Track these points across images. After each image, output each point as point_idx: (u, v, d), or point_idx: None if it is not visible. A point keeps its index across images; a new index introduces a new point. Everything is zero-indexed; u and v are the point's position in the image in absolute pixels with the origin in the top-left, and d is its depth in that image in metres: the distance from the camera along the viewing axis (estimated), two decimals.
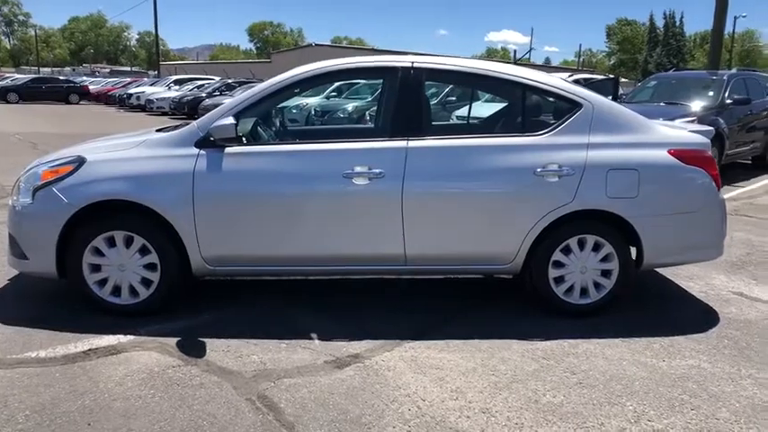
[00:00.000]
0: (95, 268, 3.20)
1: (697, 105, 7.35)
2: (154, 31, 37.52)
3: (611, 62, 62.29)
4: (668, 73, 10.67)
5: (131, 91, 25.94)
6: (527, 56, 46.50)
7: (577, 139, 3.25)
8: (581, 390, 2.62)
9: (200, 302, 3.48)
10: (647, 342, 3.09)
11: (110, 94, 29.28)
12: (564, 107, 3.33)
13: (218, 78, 25.80)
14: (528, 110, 3.45)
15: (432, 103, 3.69)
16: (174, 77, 27.65)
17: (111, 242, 3.18)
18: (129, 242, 3.18)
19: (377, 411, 2.42)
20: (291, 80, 3.28)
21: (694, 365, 2.86)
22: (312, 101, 11.08)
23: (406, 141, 3.20)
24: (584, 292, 3.36)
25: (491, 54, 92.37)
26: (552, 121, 3.34)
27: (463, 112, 3.99)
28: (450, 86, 6.88)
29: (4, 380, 2.58)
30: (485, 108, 4.37)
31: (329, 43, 54.78)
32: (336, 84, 9.62)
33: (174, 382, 2.60)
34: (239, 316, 3.34)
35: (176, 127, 3.52)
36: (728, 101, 7.51)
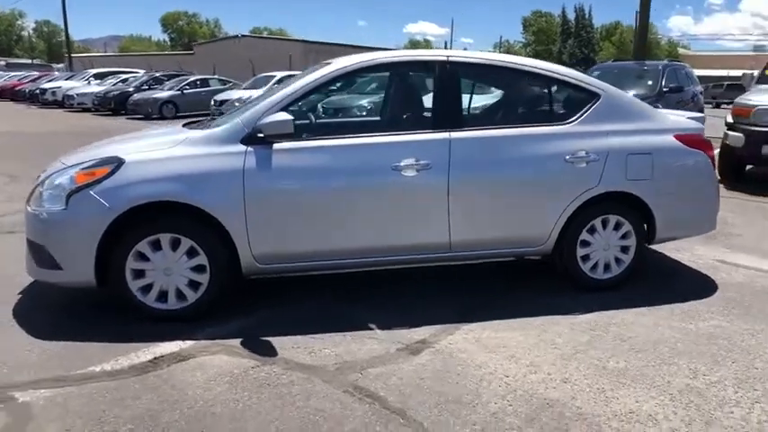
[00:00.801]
0: (139, 274, 3.06)
1: (638, 92, 8.05)
2: (52, 21, 34.53)
3: (528, 53, 65.11)
4: (610, 63, 11.50)
5: (45, 86, 23.70)
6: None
7: (599, 127, 3.53)
8: (636, 354, 2.91)
9: (246, 303, 3.42)
10: (669, 309, 3.45)
11: (17, 89, 26.41)
12: (585, 97, 3.60)
13: (142, 72, 24.26)
14: (555, 100, 3.69)
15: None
16: (94, 71, 25.61)
17: (156, 246, 3.05)
18: (175, 245, 3.07)
19: (472, 391, 2.55)
20: (335, 74, 3.29)
21: (717, 325, 3.24)
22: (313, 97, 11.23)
23: (448, 133, 3.32)
24: (606, 267, 3.67)
25: (415, 46, 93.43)
26: (576, 111, 3.59)
27: (488, 103, 4.15)
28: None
29: (81, 396, 2.44)
30: (486, 99, 4.58)
31: (254, 35, 52.31)
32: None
33: (263, 383, 2.58)
34: (291, 313, 3.33)
35: (203, 123, 3.42)
36: (665, 89, 8.27)
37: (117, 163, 3.03)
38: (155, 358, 2.78)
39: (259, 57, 30.35)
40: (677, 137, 3.65)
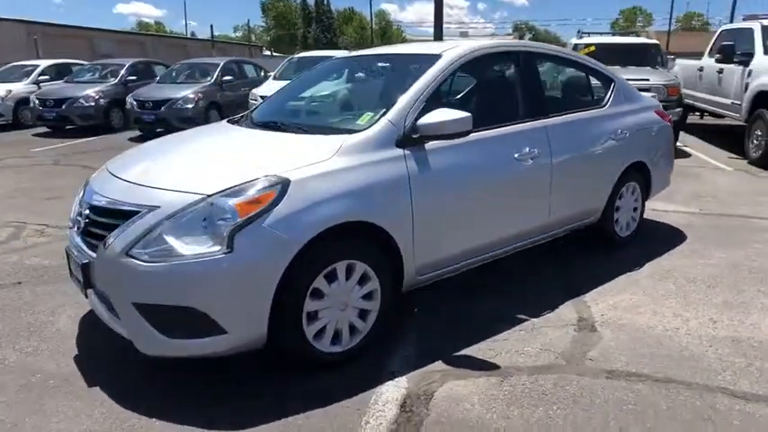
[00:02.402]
0: (312, 316, 2.49)
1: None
2: None
3: (271, 37, 63.54)
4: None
5: None
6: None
7: (621, 108, 4.11)
8: (723, 287, 3.58)
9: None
10: (682, 249, 4.27)
11: None
12: (607, 83, 4.13)
13: None
14: (594, 86, 4.11)
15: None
16: None
17: (331, 278, 2.52)
18: (348, 273, 2.58)
19: (675, 346, 2.85)
20: (457, 64, 3.13)
21: (721, 257, 4.15)
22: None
23: (543, 120, 3.47)
24: (627, 226, 4.32)
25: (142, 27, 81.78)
26: (605, 95, 4.08)
27: (552, 91, 4.35)
28: None
29: None
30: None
31: None
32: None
33: (537, 394, 2.44)
34: (440, 324, 3.10)
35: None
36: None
37: (282, 183, 2.38)
38: (403, 406, 2.35)
39: None
40: (656, 112, 4.47)
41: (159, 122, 10.75)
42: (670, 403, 2.37)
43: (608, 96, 4.08)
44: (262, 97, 10.04)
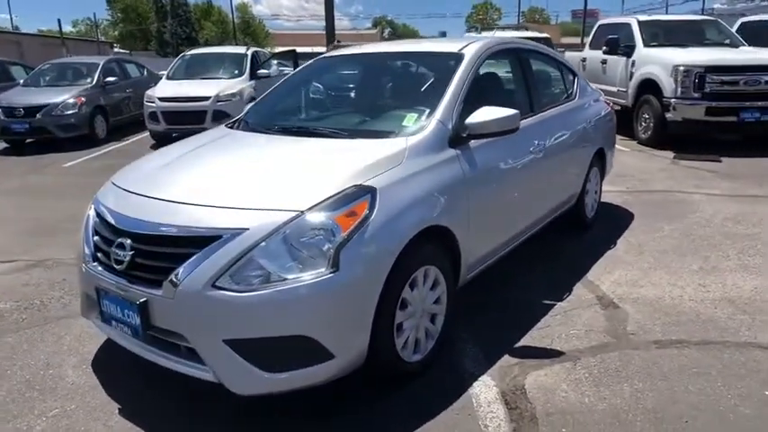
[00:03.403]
0: (399, 327, 2.41)
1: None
2: None
3: (120, 31, 57.15)
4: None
5: None
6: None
7: (585, 100, 4.45)
8: (691, 256, 4.04)
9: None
10: (637, 225, 4.74)
11: None
12: (573, 77, 4.43)
13: None
14: (565, 80, 4.35)
15: None
16: None
17: (412, 286, 2.45)
18: (424, 279, 2.53)
19: (689, 312, 3.19)
20: (483, 58, 3.19)
21: (671, 228, 4.66)
22: None
23: (542, 114, 3.65)
24: (592, 207, 4.70)
25: None
26: (572, 88, 4.38)
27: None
28: None
29: None
30: None
31: None
32: None
33: (656, 366, 2.60)
34: (483, 318, 3.15)
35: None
36: None
37: (372, 192, 2.25)
38: (507, 404, 2.37)
39: None
40: (605, 101, 4.90)
41: (34, 132, 9.49)
42: (722, 362, 2.66)
43: (575, 89, 4.40)
44: (159, 98, 9.30)
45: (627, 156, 7.84)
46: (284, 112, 3.46)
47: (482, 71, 3.23)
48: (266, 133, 3.07)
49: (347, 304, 2.13)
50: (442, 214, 2.55)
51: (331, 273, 2.07)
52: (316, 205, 2.15)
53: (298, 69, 3.81)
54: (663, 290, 3.51)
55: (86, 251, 2.50)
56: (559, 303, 3.33)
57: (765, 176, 6.37)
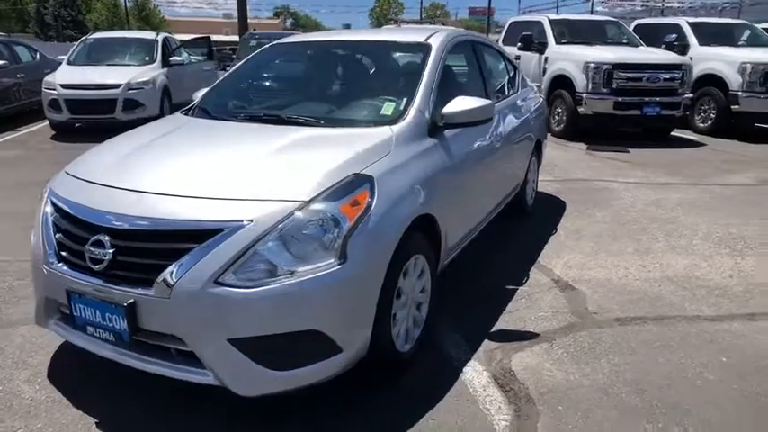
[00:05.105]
0: (394, 317, 2.39)
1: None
2: None
3: None
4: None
5: None
6: None
7: (526, 92, 4.64)
8: (625, 239, 4.36)
9: None
10: (571, 212, 5.04)
11: None
12: (515, 70, 4.60)
13: None
14: (509, 74, 4.48)
15: None
16: None
17: (405, 275, 2.44)
18: (414, 268, 2.52)
19: (638, 290, 3.45)
20: (447, 50, 3.24)
21: (601, 215, 5.02)
22: None
23: (496, 101, 3.76)
24: (531, 196, 4.93)
25: None
26: (515, 80, 4.54)
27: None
28: None
29: None
30: None
31: None
32: None
33: (624, 341, 2.75)
34: (455, 305, 3.19)
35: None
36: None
37: (370, 181, 2.20)
38: (501, 387, 2.43)
39: None
40: (539, 94, 5.14)
41: None
42: (680, 335, 2.91)
43: (517, 81, 4.57)
44: (62, 85, 8.50)
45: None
46: (248, 100, 3.29)
47: (447, 62, 3.27)
48: (235, 121, 2.90)
49: (355, 295, 2.08)
50: (429, 203, 2.55)
51: (339, 264, 2.01)
52: (319, 195, 2.07)
53: (252, 55, 3.63)
54: (610, 271, 3.76)
55: (47, 251, 2.23)
56: (521, 288, 3.47)
57: (672, 165, 7.03)
